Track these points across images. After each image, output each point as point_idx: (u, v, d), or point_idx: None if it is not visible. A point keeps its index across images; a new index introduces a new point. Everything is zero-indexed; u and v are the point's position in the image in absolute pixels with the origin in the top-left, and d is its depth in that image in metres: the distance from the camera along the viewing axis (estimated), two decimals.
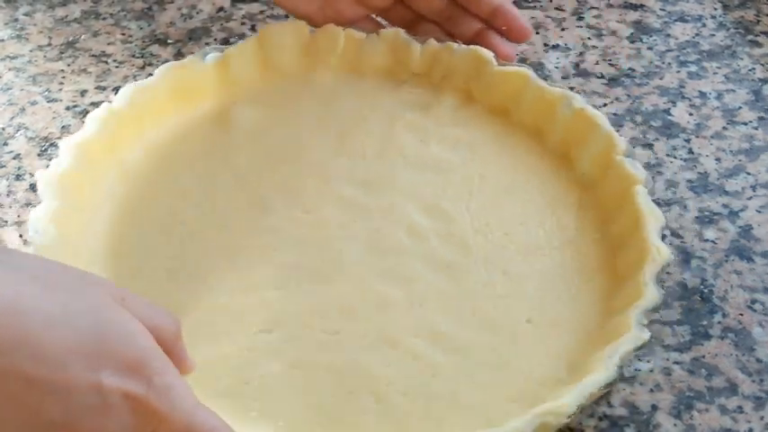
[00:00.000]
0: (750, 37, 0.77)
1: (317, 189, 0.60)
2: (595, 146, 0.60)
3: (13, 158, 0.66)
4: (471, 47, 0.65)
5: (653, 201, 0.56)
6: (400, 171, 0.61)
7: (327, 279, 0.55)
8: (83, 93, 0.70)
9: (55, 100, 0.70)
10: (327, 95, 0.66)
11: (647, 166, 0.65)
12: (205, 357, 0.47)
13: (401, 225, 0.58)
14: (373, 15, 0.69)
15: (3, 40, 0.76)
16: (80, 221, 0.56)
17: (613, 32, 0.77)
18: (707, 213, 0.62)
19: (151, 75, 0.63)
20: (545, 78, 0.72)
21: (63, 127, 0.68)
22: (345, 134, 0.63)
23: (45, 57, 0.74)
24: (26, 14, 0.78)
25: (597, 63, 0.74)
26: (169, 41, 0.75)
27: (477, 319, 0.54)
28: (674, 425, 0.51)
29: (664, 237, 0.61)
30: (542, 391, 0.50)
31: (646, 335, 0.50)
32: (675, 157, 0.66)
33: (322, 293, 0.54)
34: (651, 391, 0.53)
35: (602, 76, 0.73)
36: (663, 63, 0.74)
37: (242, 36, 0.76)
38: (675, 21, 0.78)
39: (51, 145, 0.67)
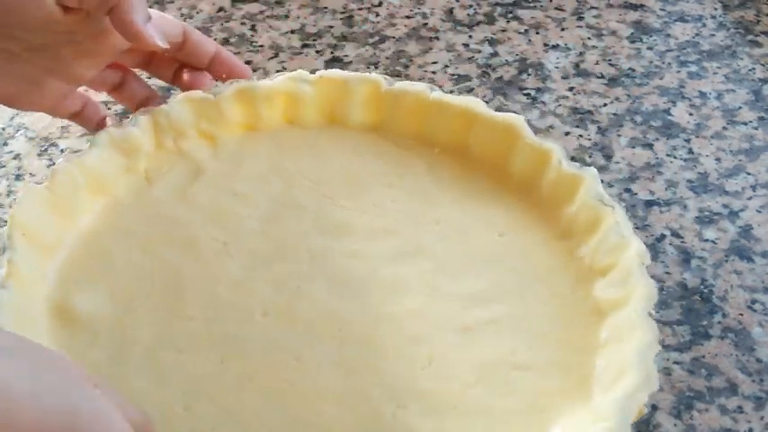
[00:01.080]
0: (750, 37, 0.77)
1: (239, 276, 0.54)
2: (360, 90, 0.61)
3: (13, 158, 0.66)
4: (179, 97, 0.60)
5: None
6: (266, 224, 0.57)
7: (348, 317, 0.52)
8: None
9: None
10: (118, 233, 0.57)
11: (647, 165, 0.65)
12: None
13: (337, 252, 0.55)
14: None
15: None
16: None
17: (613, 32, 0.77)
18: (707, 213, 0.62)
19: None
20: (544, 79, 0.72)
21: (63, 127, 0.68)
22: (174, 241, 0.56)
23: None
24: None
25: (597, 63, 0.74)
26: None
27: (471, 261, 0.55)
28: (674, 425, 0.51)
29: (663, 236, 0.61)
30: (569, 274, 0.53)
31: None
32: (675, 157, 0.66)
33: (362, 327, 0.52)
34: None
35: (602, 76, 0.73)
36: (663, 63, 0.74)
37: (242, 36, 0.76)
38: (675, 21, 0.78)
39: (51, 145, 0.67)
